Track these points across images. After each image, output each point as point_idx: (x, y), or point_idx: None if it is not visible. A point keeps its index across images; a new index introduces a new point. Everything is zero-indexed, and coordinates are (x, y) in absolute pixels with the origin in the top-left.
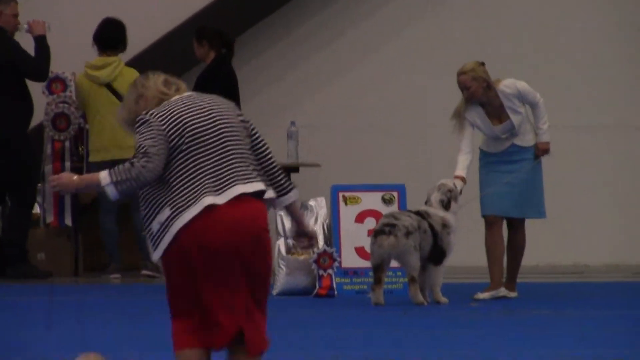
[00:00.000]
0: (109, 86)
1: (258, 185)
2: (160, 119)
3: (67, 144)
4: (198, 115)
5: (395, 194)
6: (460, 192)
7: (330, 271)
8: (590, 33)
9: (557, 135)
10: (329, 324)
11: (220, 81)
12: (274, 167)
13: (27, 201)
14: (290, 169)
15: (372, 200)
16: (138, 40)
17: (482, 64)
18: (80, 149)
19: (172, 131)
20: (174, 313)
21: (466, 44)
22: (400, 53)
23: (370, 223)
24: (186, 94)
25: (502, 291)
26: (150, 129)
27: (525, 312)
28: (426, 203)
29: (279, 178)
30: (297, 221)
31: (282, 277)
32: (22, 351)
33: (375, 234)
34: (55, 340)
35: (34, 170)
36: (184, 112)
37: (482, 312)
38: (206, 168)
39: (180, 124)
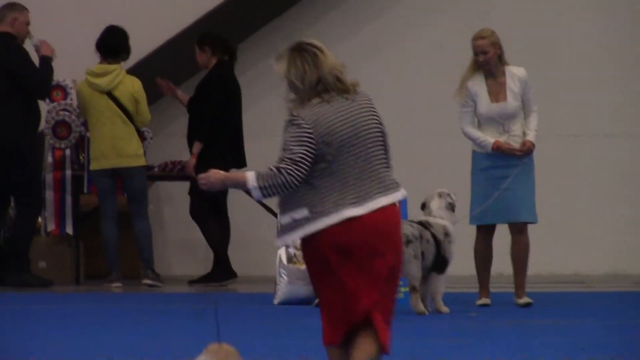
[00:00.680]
0: (109, 94)
1: (397, 196)
2: (311, 124)
3: (67, 152)
4: (346, 125)
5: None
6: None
7: None
8: (589, 40)
9: (558, 144)
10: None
11: (222, 88)
12: (389, 160)
13: (32, 210)
14: None
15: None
16: (140, 47)
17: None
18: (81, 157)
19: (321, 139)
20: (320, 304)
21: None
22: (405, 59)
23: None
24: (336, 94)
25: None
26: (301, 134)
27: (526, 321)
28: (423, 210)
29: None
30: None
31: (283, 286)
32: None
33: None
34: (56, 347)
35: (40, 178)
36: (333, 120)
37: (483, 321)
38: (350, 176)
39: (330, 133)
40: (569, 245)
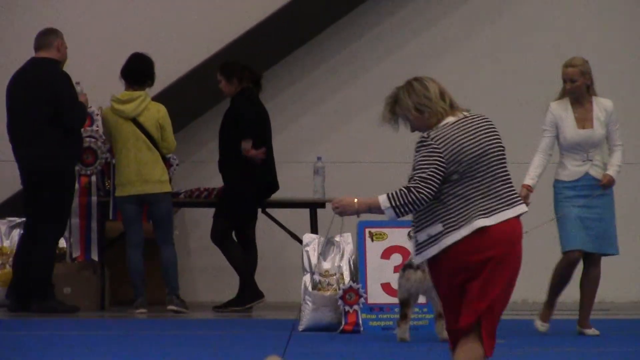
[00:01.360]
0: (134, 120)
1: (521, 209)
2: (441, 144)
3: (93, 178)
4: (473, 143)
5: None
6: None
7: (356, 307)
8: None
9: None
10: (355, 355)
11: (252, 112)
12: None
13: (54, 236)
14: (317, 205)
15: (398, 236)
16: (166, 74)
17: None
18: (106, 183)
19: (451, 158)
20: (447, 312)
21: (489, 82)
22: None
23: (396, 259)
24: (461, 115)
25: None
26: (431, 154)
27: (549, 348)
28: None
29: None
30: None
31: (307, 313)
32: None
33: (404, 268)
34: None
35: (69, 206)
36: (461, 139)
37: (509, 347)
38: (477, 192)
39: (458, 152)
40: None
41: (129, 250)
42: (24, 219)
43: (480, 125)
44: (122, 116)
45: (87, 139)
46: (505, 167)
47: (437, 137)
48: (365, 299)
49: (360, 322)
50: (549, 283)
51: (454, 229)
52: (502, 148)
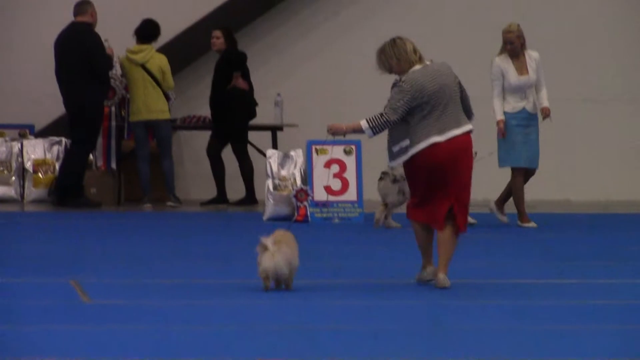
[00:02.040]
0: (142, 66)
1: (466, 127)
2: (408, 85)
3: (113, 108)
4: (431, 83)
5: (353, 147)
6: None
7: (305, 203)
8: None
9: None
10: (306, 241)
11: (240, 63)
12: (469, 106)
13: (86, 151)
14: (276, 128)
15: (336, 152)
16: (170, 30)
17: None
18: (122, 112)
19: (415, 95)
20: (412, 195)
21: (456, 13)
22: (364, 40)
23: (335, 168)
24: (425, 64)
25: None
26: (401, 92)
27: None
28: None
29: (468, 113)
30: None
31: (270, 207)
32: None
33: (380, 177)
34: (103, 249)
35: (97, 128)
36: (423, 80)
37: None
38: (433, 117)
39: (421, 90)
40: (596, 176)
41: (139, 161)
42: (62, 138)
43: (439, 69)
44: (134, 63)
45: (109, 80)
46: (457, 99)
47: (406, 81)
48: (312, 197)
49: (309, 214)
50: (514, 195)
51: (417, 143)
52: (454, 86)
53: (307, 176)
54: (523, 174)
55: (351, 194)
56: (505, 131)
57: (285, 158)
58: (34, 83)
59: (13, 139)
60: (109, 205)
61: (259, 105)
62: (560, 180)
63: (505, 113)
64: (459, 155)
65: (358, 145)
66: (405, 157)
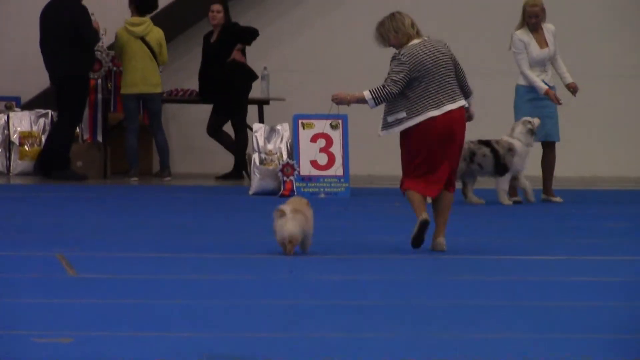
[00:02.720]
0: (142, 39)
1: (460, 102)
2: (407, 58)
3: (99, 81)
4: (429, 57)
5: (340, 122)
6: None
7: (292, 177)
8: None
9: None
10: None
11: (252, 37)
12: (465, 83)
13: (72, 122)
14: (263, 102)
15: (322, 126)
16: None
17: None
18: (108, 85)
19: (413, 68)
20: (405, 173)
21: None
22: (351, 14)
23: (321, 143)
24: (423, 39)
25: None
26: (400, 65)
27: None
28: (512, 132)
29: (466, 89)
30: (468, 112)
31: (256, 182)
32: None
33: None
34: (89, 220)
35: (83, 100)
36: (421, 55)
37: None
38: (431, 92)
39: (418, 63)
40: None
41: (128, 134)
42: (48, 110)
43: (436, 45)
44: (133, 35)
45: (95, 52)
46: (452, 74)
47: (405, 54)
48: (299, 171)
49: (295, 188)
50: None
51: (414, 116)
52: (450, 62)
53: (294, 150)
54: (548, 146)
55: (337, 169)
56: (557, 97)
57: (271, 132)
58: (20, 55)
59: None
60: (95, 179)
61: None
62: (586, 156)
63: (523, 87)
64: (454, 127)
65: (345, 119)
66: (399, 128)
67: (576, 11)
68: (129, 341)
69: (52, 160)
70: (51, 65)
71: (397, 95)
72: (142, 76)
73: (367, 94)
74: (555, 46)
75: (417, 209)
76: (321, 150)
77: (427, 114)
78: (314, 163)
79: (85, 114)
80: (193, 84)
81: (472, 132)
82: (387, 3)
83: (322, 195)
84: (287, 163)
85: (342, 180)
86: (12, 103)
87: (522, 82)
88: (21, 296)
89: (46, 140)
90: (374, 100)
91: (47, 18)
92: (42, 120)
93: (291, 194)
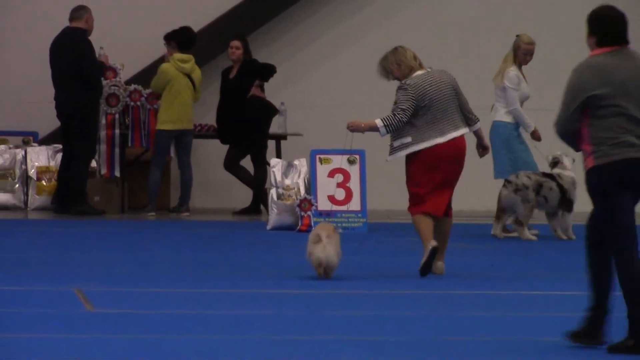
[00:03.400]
0: (188, 76)
1: (463, 130)
2: (412, 88)
3: (116, 116)
4: (432, 87)
5: (357, 156)
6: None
7: (309, 213)
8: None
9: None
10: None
11: (270, 73)
12: (468, 110)
13: (86, 156)
14: (280, 137)
15: (340, 161)
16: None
17: None
18: (126, 120)
19: (419, 97)
20: (411, 198)
21: (454, 28)
22: (367, 50)
23: (339, 178)
24: (426, 70)
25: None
26: (407, 94)
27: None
28: (554, 166)
29: (471, 116)
30: (478, 138)
31: (273, 217)
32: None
33: (504, 184)
34: (105, 257)
35: (90, 135)
36: (425, 85)
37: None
38: (435, 120)
39: (423, 94)
40: None
41: (154, 169)
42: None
43: (439, 77)
44: (181, 71)
45: (112, 87)
46: (455, 103)
47: (411, 84)
48: (316, 207)
49: (312, 223)
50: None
51: (419, 142)
52: (452, 92)
53: (311, 185)
54: None
55: (355, 204)
56: (539, 136)
57: (289, 167)
58: (37, 90)
59: (17, 146)
60: (112, 214)
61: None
62: None
63: (511, 123)
64: (457, 154)
65: (362, 154)
66: (405, 152)
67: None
68: None
69: (68, 196)
70: (56, 101)
71: (405, 123)
72: (184, 112)
73: (379, 121)
74: None
75: (426, 237)
76: (339, 185)
77: (432, 141)
78: (331, 198)
79: (102, 149)
80: (211, 119)
81: None
82: (403, 38)
83: (340, 231)
84: (305, 198)
85: (359, 215)
86: (30, 138)
87: (507, 118)
88: (39, 331)
89: (58, 175)
90: (385, 128)
91: (53, 52)
92: (59, 155)
93: (308, 229)
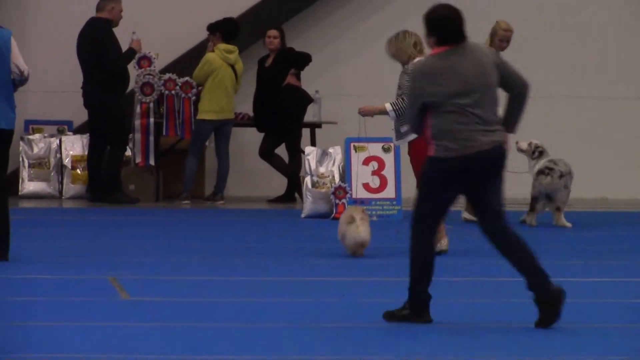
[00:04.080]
0: (232, 66)
1: None
2: (416, 74)
3: (151, 105)
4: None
5: (392, 144)
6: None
7: (344, 200)
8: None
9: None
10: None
11: (307, 62)
12: None
13: (120, 146)
14: (315, 125)
15: (375, 149)
16: (203, 29)
17: None
18: (160, 109)
19: (422, 83)
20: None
21: (477, 19)
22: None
23: (374, 165)
24: (425, 57)
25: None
26: (412, 78)
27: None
28: (540, 155)
29: None
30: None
31: (308, 205)
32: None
33: (538, 173)
34: (141, 244)
35: (127, 124)
36: (428, 71)
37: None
38: None
39: (425, 79)
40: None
41: (192, 158)
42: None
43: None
44: (226, 61)
45: (147, 76)
46: None
47: (416, 69)
48: (351, 194)
49: None
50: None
51: None
52: None
53: (346, 173)
54: None
55: (389, 192)
56: None
57: (323, 155)
58: (71, 79)
59: (51, 135)
60: (147, 202)
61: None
62: (597, 178)
63: None
64: None
65: None
66: (411, 137)
67: (591, 32)
68: None
69: (103, 184)
70: (82, 90)
71: None
72: (228, 102)
73: (388, 106)
74: None
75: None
76: (373, 173)
77: None
78: (366, 186)
79: (137, 137)
80: (246, 108)
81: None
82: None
83: (375, 218)
84: (340, 186)
85: (394, 202)
86: (65, 127)
87: None
88: (74, 319)
89: (89, 164)
90: (395, 112)
91: (78, 43)
92: None
93: None
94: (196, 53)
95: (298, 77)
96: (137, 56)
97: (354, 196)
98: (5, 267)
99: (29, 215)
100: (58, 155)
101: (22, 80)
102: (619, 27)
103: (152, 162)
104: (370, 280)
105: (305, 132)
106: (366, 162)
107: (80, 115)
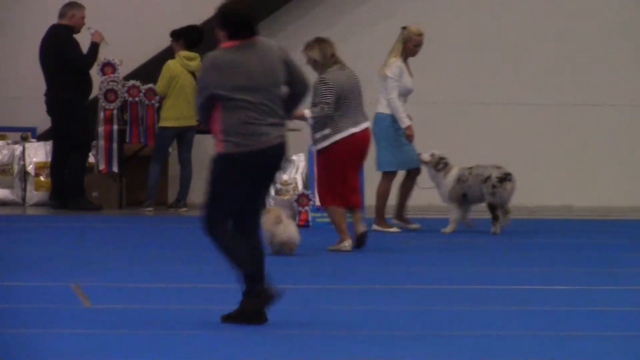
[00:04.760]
0: (192, 74)
1: (368, 122)
2: (332, 82)
3: (115, 112)
4: (348, 82)
5: None
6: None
7: (307, 208)
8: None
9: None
10: (307, 246)
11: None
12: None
13: (83, 152)
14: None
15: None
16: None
17: None
18: (124, 116)
19: (337, 89)
20: (324, 188)
21: (475, 23)
22: (376, 42)
23: None
24: (340, 65)
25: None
26: (329, 88)
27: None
28: (445, 167)
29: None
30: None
31: None
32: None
33: (500, 180)
34: (108, 255)
35: (91, 129)
36: (342, 79)
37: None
38: (349, 111)
39: (341, 86)
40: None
41: (155, 165)
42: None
43: (352, 72)
44: (187, 69)
45: (111, 83)
46: (362, 97)
47: (329, 78)
48: (314, 202)
49: (310, 218)
50: (382, 198)
51: (338, 132)
52: (360, 87)
53: (309, 181)
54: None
55: None
56: (413, 134)
57: (287, 163)
58: (35, 86)
59: (15, 142)
60: (110, 209)
61: None
62: (561, 185)
63: (390, 115)
64: (367, 143)
65: None
66: (326, 143)
67: (583, 38)
68: None
69: (66, 191)
70: (45, 97)
71: (330, 115)
72: (188, 109)
73: (307, 112)
74: None
75: (342, 229)
76: None
77: (349, 130)
78: None
79: (100, 144)
80: None
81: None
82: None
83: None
84: (303, 193)
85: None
86: (28, 134)
87: (386, 110)
88: (36, 326)
89: (52, 170)
90: (313, 119)
91: (40, 50)
92: None
93: (306, 224)
94: (162, 59)
95: None
96: (101, 62)
97: (316, 203)
98: None
99: None
100: (21, 162)
101: None
102: (578, 33)
103: (115, 169)
104: (329, 288)
105: None
106: None
107: (44, 122)
